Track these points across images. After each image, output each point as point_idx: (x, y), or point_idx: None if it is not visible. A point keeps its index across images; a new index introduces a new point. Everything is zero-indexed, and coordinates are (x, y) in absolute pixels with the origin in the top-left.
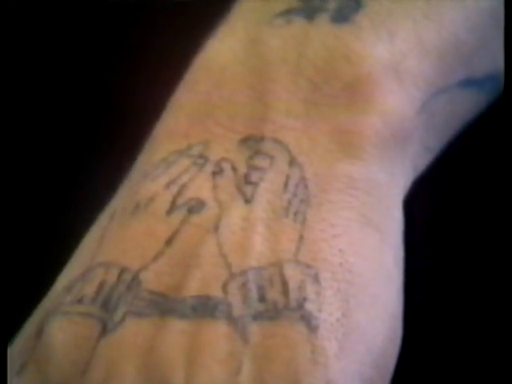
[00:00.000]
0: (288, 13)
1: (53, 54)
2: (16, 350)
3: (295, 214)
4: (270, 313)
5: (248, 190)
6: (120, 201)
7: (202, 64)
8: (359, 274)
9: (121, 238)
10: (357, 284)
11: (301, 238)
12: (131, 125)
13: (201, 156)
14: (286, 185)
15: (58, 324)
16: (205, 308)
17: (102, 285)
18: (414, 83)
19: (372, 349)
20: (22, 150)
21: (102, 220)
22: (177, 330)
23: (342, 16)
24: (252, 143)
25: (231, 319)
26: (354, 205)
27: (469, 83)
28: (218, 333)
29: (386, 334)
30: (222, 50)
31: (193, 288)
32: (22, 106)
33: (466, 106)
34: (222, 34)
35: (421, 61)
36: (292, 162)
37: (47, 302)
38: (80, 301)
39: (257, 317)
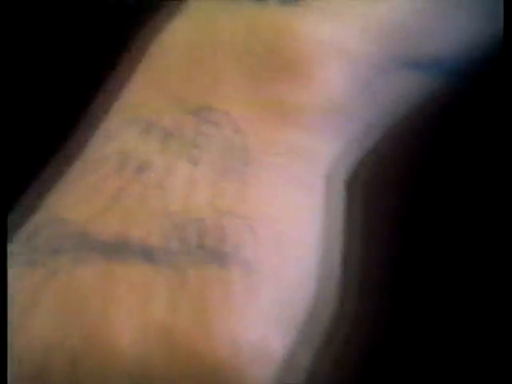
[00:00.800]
0: None
1: (53, 54)
2: None
3: (236, 174)
4: (207, 257)
5: (195, 152)
6: (69, 170)
7: (156, 44)
8: (293, 227)
9: (69, 196)
10: (289, 235)
11: (240, 194)
12: None
13: (150, 123)
14: (229, 149)
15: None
16: (145, 254)
17: (49, 237)
18: (355, 62)
19: (283, 287)
20: (25, 150)
21: (53, 189)
22: (95, 264)
23: None
24: (200, 112)
25: (170, 264)
26: (290, 168)
27: (415, 66)
28: (154, 275)
29: (297, 275)
30: (176, 31)
31: (136, 237)
32: (21, 108)
33: (412, 87)
34: (176, 18)
35: (364, 42)
36: (236, 129)
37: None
38: (29, 251)
39: (195, 262)
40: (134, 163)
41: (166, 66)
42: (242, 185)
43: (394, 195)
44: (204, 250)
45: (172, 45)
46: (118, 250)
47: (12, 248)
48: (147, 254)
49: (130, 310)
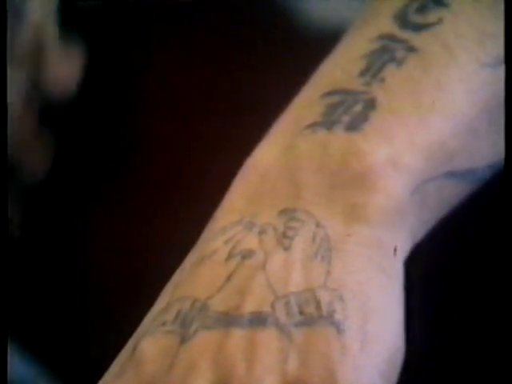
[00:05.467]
0: (314, 125)
1: None
2: (115, 365)
3: (322, 257)
4: (308, 321)
5: (286, 241)
6: (188, 259)
7: (251, 163)
8: (373, 298)
9: (192, 280)
10: (372, 304)
11: (328, 272)
12: None
13: (250, 222)
14: (314, 238)
15: (147, 340)
16: (258, 320)
17: (179, 312)
18: (407, 172)
19: (385, 350)
20: None
21: (176, 274)
22: (238, 336)
23: (353, 126)
24: (288, 213)
25: (279, 326)
26: (366, 254)
27: (452, 175)
28: (269, 336)
29: (394, 340)
30: (267, 153)
31: (248, 307)
32: None
33: (450, 192)
34: (265, 142)
35: (413, 157)
36: (318, 224)
37: (138, 331)
38: (163, 324)
39: (298, 324)
40: (240, 252)
41: (259, 182)
42: (329, 265)
43: (439, 277)
44: (305, 315)
45: (263, 164)
46: (234, 318)
47: (145, 322)
48: (260, 320)
49: (269, 367)
